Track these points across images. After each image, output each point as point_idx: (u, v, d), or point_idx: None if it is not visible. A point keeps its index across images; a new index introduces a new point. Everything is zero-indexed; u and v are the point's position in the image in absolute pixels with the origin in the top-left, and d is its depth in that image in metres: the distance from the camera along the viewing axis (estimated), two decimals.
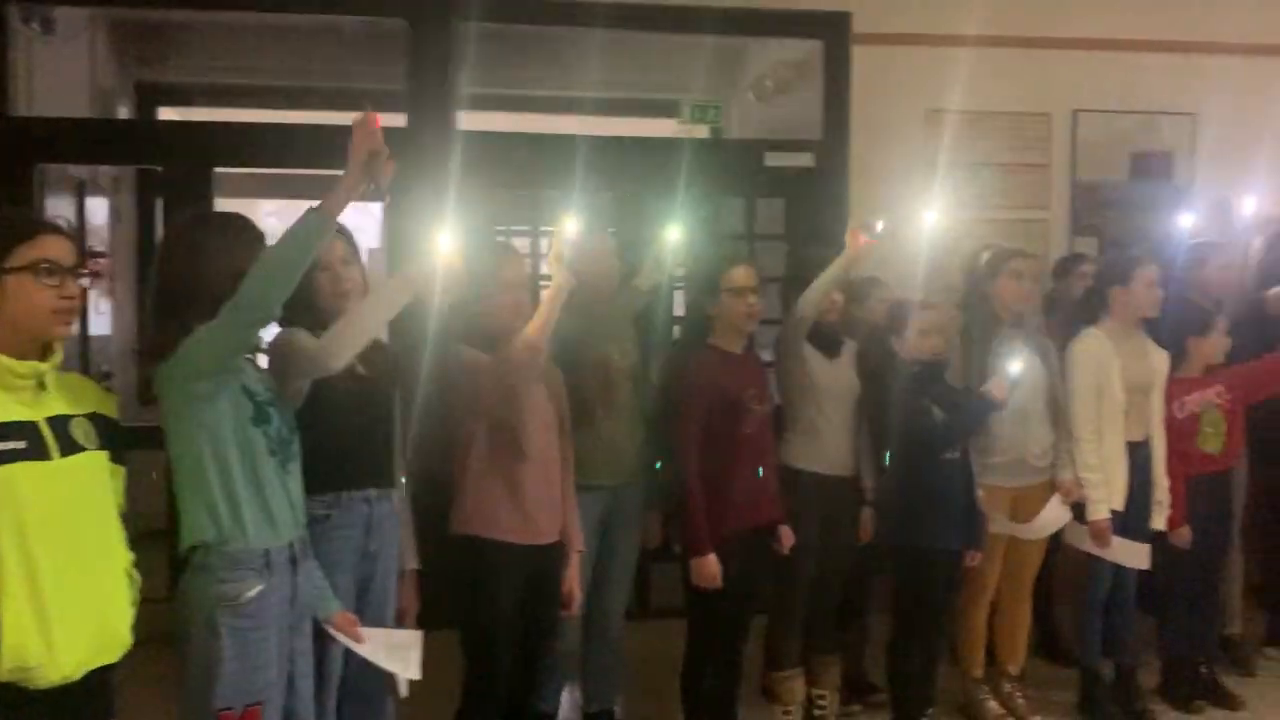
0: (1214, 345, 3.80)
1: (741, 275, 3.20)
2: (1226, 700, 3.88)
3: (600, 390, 3.26)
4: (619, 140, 5.10)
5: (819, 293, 3.28)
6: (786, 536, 3.29)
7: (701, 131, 6.07)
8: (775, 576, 3.40)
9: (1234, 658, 4.22)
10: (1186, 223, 4.37)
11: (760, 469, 3.20)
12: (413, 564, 2.75)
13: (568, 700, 3.62)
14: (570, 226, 2.59)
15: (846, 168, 4.90)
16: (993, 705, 3.70)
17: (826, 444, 3.40)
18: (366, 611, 2.54)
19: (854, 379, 3.47)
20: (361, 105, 2.26)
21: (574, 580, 2.95)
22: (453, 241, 2.42)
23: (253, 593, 2.16)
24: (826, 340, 3.45)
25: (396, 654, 2.49)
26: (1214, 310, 3.89)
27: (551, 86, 6.25)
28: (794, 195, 4.98)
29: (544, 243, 4.77)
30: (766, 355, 3.60)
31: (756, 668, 3.61)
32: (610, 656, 3.51)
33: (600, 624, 3.44)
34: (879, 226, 3.35)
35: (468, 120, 4.95)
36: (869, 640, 3.90)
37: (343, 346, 2.31)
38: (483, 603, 2.76)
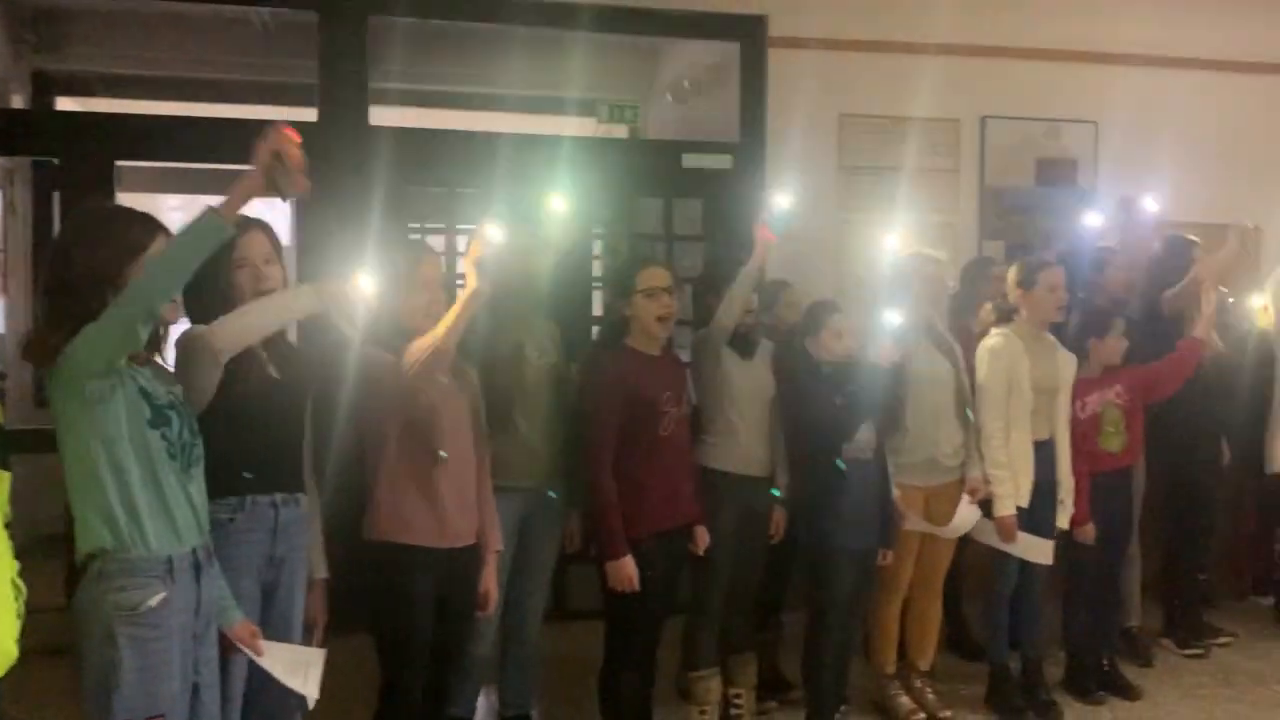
0: (1113, 346, 3.92)
1: (655, 276, 3.19)
2: (1126, 691, 4.01)
3: (518, 391, 3.23)
4: (536, 138, 5.07)
5: (738, 301, 3.30)
6: (702, 537, 3.30)
7: (620, 131, 6.08)
8: (692, 577, 3.41)
9: (1133, 649, 4.36)
10: (1093, 223, 4.54)
11: (677, 470, 3.20)
12: (322, 573, 2.69)
13: (484, 704, 3.58)
14: (491, 231, 2.54)
15: (763, 170, 4.94)
16: (904, 701, 3.76)
17: (742, 444, 3.41)
18: (272, 619, 2.47)
19: (769, 380, 3.50)
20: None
21: (491, 581, 2.92)
22: (371, 276, 2.38)
23: (154, 601, 2.09)
24: (742, 342, 3.47)
25: (296, 670, 2.42)
26: (1113, 312, 4.01)
27: (468, 83, 6.19)
28: (711, 196, 5.00)
29: (460, 241, 4.71)
30: (687, 355, 3.60)
31: (673, 668, 3.61)
32: (527, 659, 3.48)
33: (517, 627, 3.41)
34: (781, 210, 3.33)
35: (381, 116, 4.87)
36: (784, 638, 3.94)
37: (229, 332, 2.27)
38: (397, 608, 2.71)
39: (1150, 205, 4.52)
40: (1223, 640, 4.53)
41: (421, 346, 2.56)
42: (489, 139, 4.93)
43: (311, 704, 2.45)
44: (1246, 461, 4.72)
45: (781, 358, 3.56)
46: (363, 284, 2.38)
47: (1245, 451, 4.69)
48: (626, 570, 3.05)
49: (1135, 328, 4.18)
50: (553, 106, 6.23)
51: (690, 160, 4.99)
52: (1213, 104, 5.43)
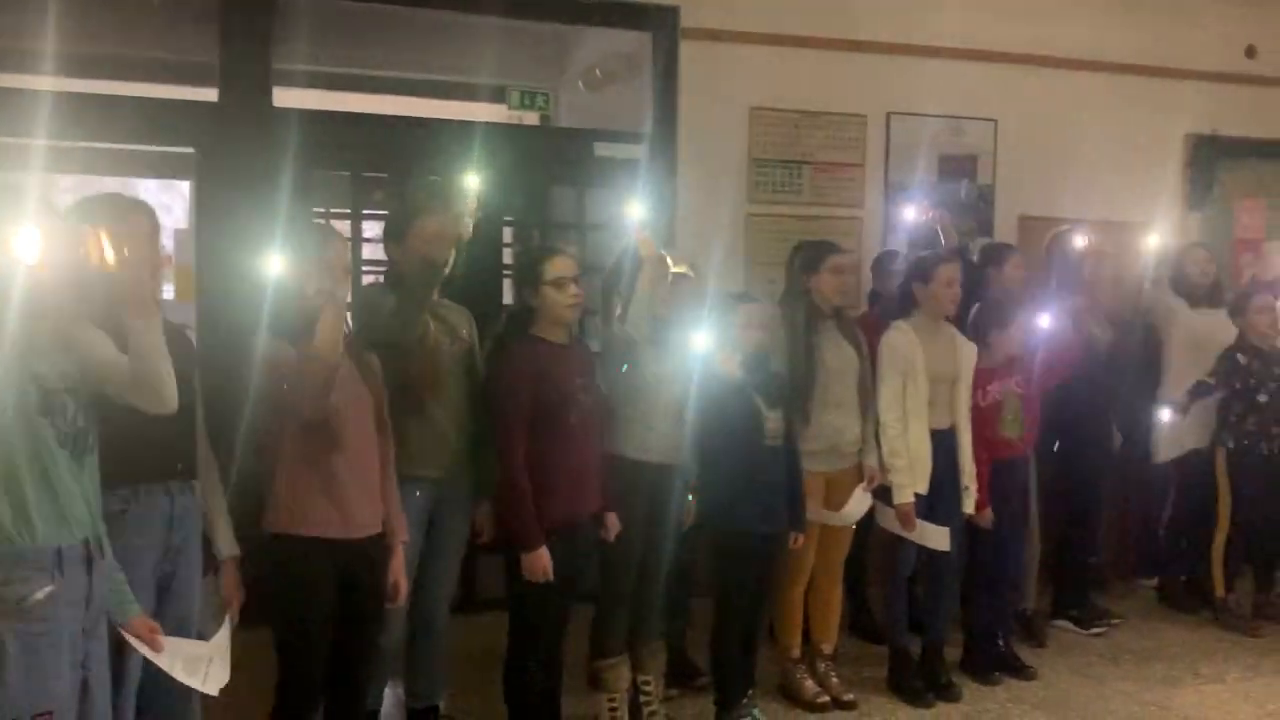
0: (1012, 338, 4.04)
1: (562, 265, 3.17)
2: (1021, 671, 4.14)
3: (429, 378, 3.18)
4: (446, 123, 5.00)
5: (640, 313, 3.31)
6: (613, 524, 3.30)
7: (531, 118, 6.04)
8: (602, 565, 3.41)
9: (1029, 631, 4.51)
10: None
11: (587, 459, 3.19)
12: (232, 551, 2.62)
13: (390, 696, 3.53)
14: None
15: (675, 160, 4.96)
16: (809, 684, 3.83)
17: (651, 432, 3.42)
18: (168, 610, 2.40)
19: (680, 368, 3.51)
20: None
21: (399, 571, 2.88)
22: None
23: (41, 594, 2.01)
24: (654, 331, 3.47)
25: (195, 666, 2.35)
26: (1013, 304, 4.13)
27: (376, 67, 6.07)
28: (623, 186, 4.99)
29: (366, 226, 4.62)
30: (597, 345, 3.60)
31: (582, 656, 3.61)
32: (435, 651, 3.44)
33: (425, 618, 3.37)
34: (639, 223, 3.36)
35: (286, 97, 4.75)
36: (692, 625, 3.98)
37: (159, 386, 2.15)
38: (297, 601, 2.66)
39: (1079, 241, 4.64)
40: (1112, 621, 4.71)
41: (313, 375, 2.52)
42: (396, 123, 4.85)
43: (215, 690, 2.39)
44: (1134, 449, 4.92)
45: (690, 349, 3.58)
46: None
47: (1134, 440, 4.89)
48: (542, 561, 3.03)
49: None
50: (463, 92, 6.14)
51: (602, 149, 4.99)
52: (1104, 104, 5.63)
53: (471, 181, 3.11)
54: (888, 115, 5.34)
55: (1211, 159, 5.79)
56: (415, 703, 3.47)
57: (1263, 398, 4.63)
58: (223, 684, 2.40)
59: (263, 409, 2.66)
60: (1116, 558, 5.40)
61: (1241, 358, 4.65)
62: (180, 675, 2.31)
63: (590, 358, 3.33)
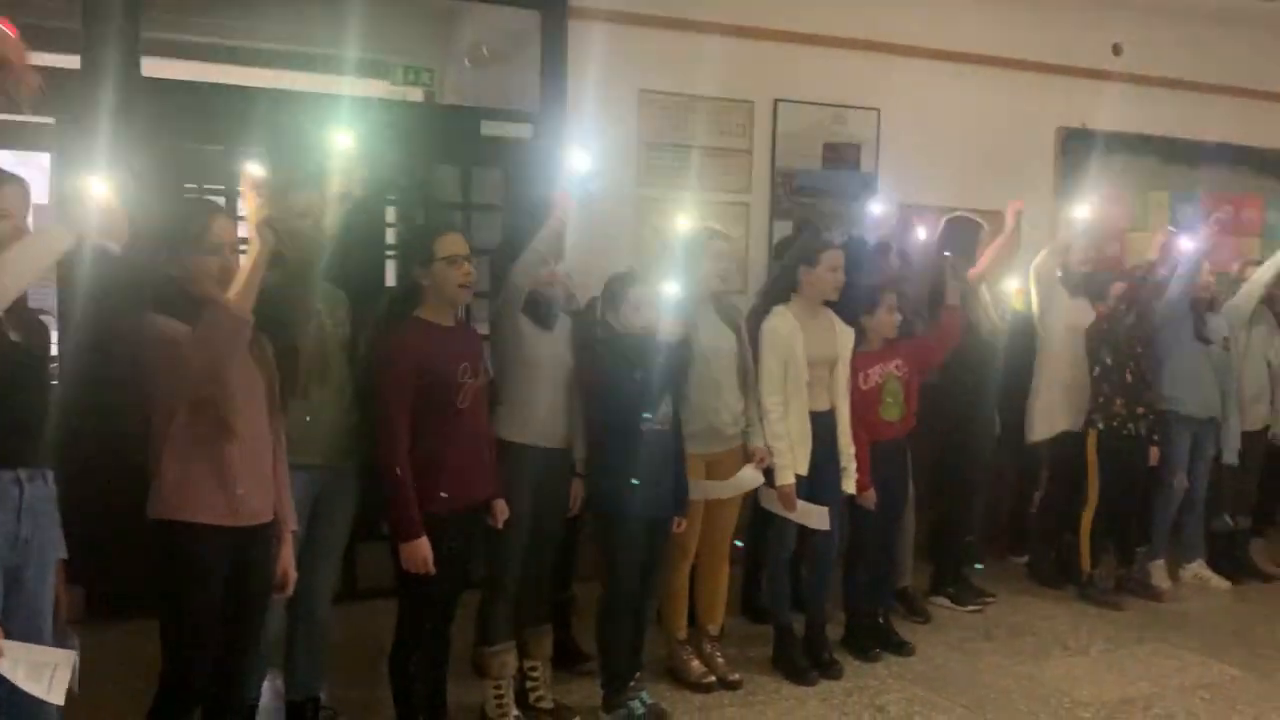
0: (884, 320, 4.13)
1: (454, 243, 3.11)
2: (901, 647, 4.25)
3: (314, 361, 3.07)
4: (326, 97, 4.84)
5: (533, 259, 3.26)
6: (501, 511, 3.25)
7: (415, 95, 5.90)
8: (488, 550, 3.36)
9: (911, 608, 4.64)
10: (876, 211, 4.81)
11: (475, 444, 3.14)
12: (60, 554, 2.48)
13: (269, 688, 3.42)
14: (264, 181, 2.40)
15: (564, 141, 4.90)
16: (695, 665, 3.86)
17: (540, 416, 3.38)
18: (17, 606, 2.25)
19: (567, 352, 3.48)
20: (27, 43, 1.99)
21: (289, 562, 2.77)
22: (111, 187, 2.22)
23: None
24: (541, 312, 3.44)
25: (39, 673, 2.20)
26: (884, 288, 4.21)
27: (254, 39, 5.84)
28: (511, 166, 4.93)
29: (240, 203, 4.43)
30: (485, 328, 3.54)
31: (467, 643, 3.55)
32: (316, 641, 3.33)
33: (307, 608, 3.25)
34: (580, 174, 3.33)
35: (156, 67, 4.52)
36: (578, 609, 3.96)
37: None
38: (186, 591, 2.53)
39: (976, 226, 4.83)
40: (986, 599, 4.88)
41: (224, 314, 2.40)
42: (274, 96, 4.68)
43: (60, 700, 2.26)
44: (1009, 431, 5.10)
45: (581, 330, 3.56)
46: (96, 190, 2.23)
47: (1009, 422, 5.07)
48: (421, 552, 2.96)
49: (921, 305, 4.47)
50: (344, 66, 5.94)
51: (489, 128, 4.91)
52: (980, 96, 5.81)
53: (348, 154, 3.00)
54: (775, 102, 5.40)
55: (1081, 152, 6.03)
56: (294, 695, 3.36)
57: (1129, 378, 4.85)
58: (67, 691, 2.27)
59: (152, 390, 2.53)
60: (990, 536, 5.60)
61: (1107, 325, 4.86)
62: (22, 682, 2.17)
63: (478, 341, 3.27)
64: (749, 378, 3.86)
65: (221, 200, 4.40)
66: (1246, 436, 5.27)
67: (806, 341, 3.89)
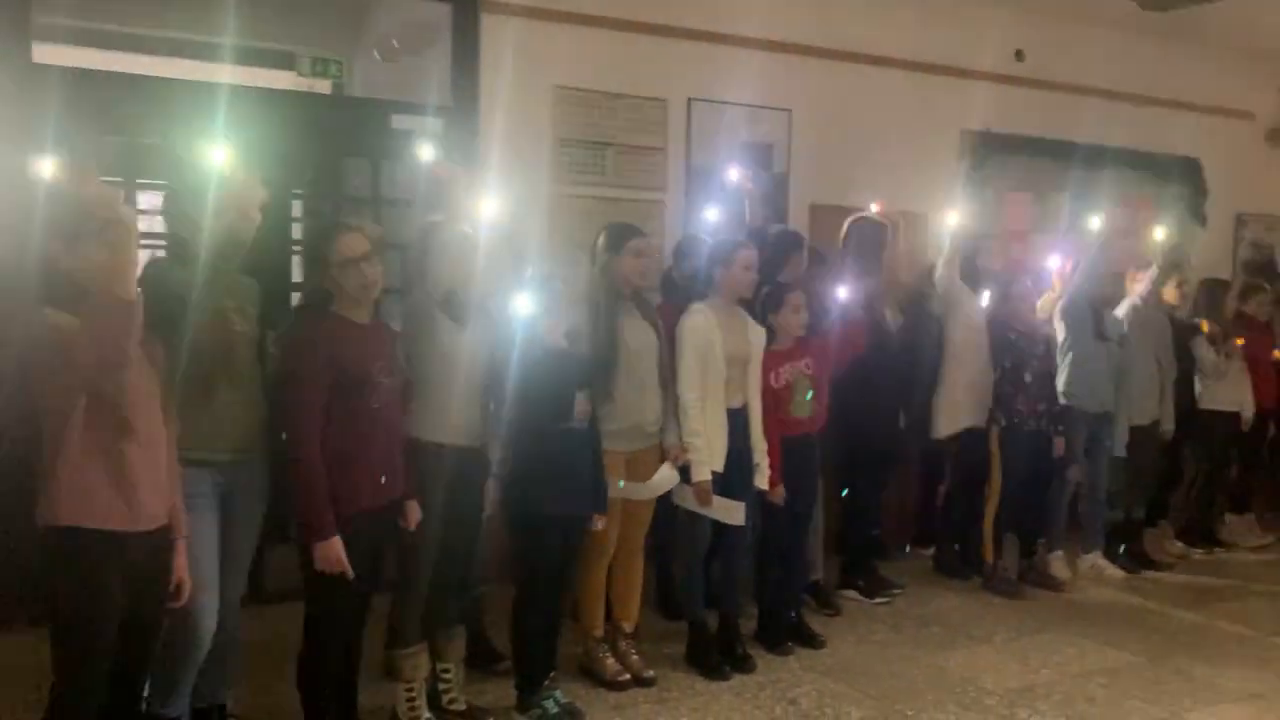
0: (788, 319, 4.18)
1: (354, 242, 3.03)
2: (812, 640, 4.31)
3: (223, 357, 2.97)
4: (230, 88, 4.69)
5: (448, 247, 3.22)
6: (413, 513, 3.20)
7: (324, 87, 5.77)
8: (399, 552, 3.31)
9: (823, 601, 4.71)
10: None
11: (388, 444, 3.08)
12: None
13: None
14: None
15: (476, 135, 4.86)
16: (611, 663, 3.85)
17: (454, 415, 3.33)
18: None
19: (484, 349, 3.44)
20: None
21: (183, 570, 2.68)
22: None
23: None
24: (457, 309, 3.39)
25: None
26: (790, 288, 4.26)
27: (154, 26, 5.64)
28: (423, 159, 4.84)
29: (141, 197, 4.29)
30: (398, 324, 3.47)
31: (378, 645, 3.50)
32: (222, 646, 3.23)
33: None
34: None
35: (48, 54, 4.34)
36: (490, 609, 3.93)
37: None
38: (81, 599, 2.43)
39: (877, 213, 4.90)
40: (894, 591, 4.98)
41: (115, 325, 2.31)
42: (175, 85, 4.53)
43: None
44: (917, 426, 5.21)
45: (497, 328, 3.52)
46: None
47: (916, 417, 5.18)
48: (334, 551, 2.90)
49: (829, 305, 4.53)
50: (248, 57, 5.78)
51: (399, 121, 4.83)
52: (889, 98, 5.92)
53: (252, 147, 2.92)
54: (689, 101, 5.42)
55: (984, 154, 6.19)
56: (199, 702, 3.25)
57: (1028, 377, 5.00)
58: None
59: (42, 389, 2.42)
60: (897, 529, 5.72)
61: (1012, 335, 5.00)
62: None
63: (392, 338, 3.21)
64: (667, 375, 3.87)
65: (120, 194, 4.25)
66: (1137, 431, 5.47)
67: (724, 339, 3.91)
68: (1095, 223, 5.16)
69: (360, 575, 2.99)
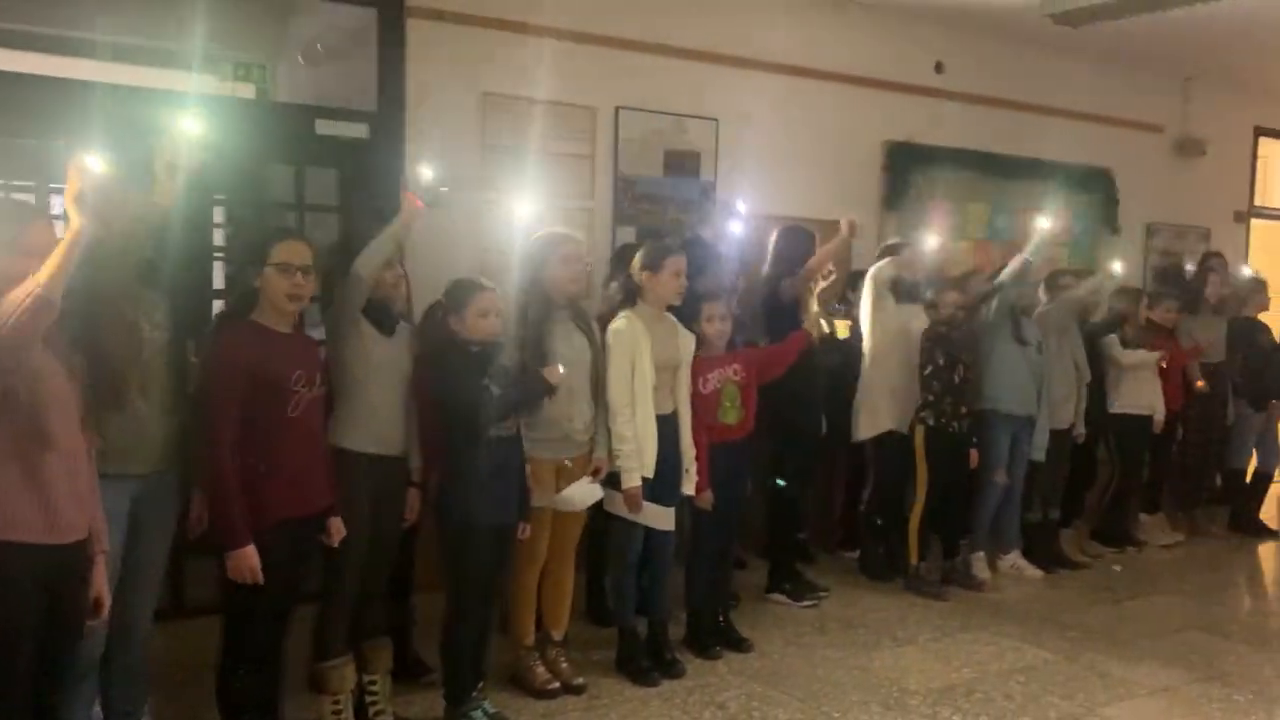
0: (712, 327, 4.21)
1: (293, 251, 3.00)
2: (740, 644, 4.35)
3: (133, 367, 2.90)
4: (149, 92, 4.60)
5: (378, 254, 3.19)
6: (336, 529, 3.16)
7: (247, 92, 5.68)
8: (324, 562, 3.26)
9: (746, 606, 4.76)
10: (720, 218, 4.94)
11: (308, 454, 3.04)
12: None
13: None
14: (91, 162, 2.29)
15: (402, 141, 4.82)
16: (540, 671, 3.84)
17: (378, 424, 3.31)
18: None
19: (408, 358, 3.42)
20: None
21: (101, 585, 2.61)
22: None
23: None
24: (383, 317, 3.37)
25: None
26: (714, 296, 4.30)
27: (70, 27, 5.50)
28: (347, 166, 4.81)
29: (54, 200, 4.18)
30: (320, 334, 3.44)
31: (303, 658, 3.45)
32: (137, 661, 3.15)
33: (126, 627, 3.07)
34: (427, 180, 3.31)
35: None
36: (418, 620, 3.90)
37: None
38: None
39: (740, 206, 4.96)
40: (820, 594, 5.04)
41: (16, 298, 2.22)
42: (91, 88, 4.41)
43: None
44: (839, 432, 5.29)
45: (423, 335, 3.50)
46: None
47: (838, 423, 5.26)
48: (248, 561, 2.85)
49: (758, 312, 4.58)
50: (170, 60, 5.68)
51: (324, 127, 4.77)
52: (814, 109, 6.01)
53: (170, 153, 2.86)
54: (616, 109, 5.44)
55: (906, 164, 6.32)
56: (114, 719, 3.18)
57: (957, 379, 5.10)
58: None
59: None
60: (823, 533, 5.81)
61: (944, 328, 5.10)
62: None
63: (314, 347, 3.17)
64: (601, 384, 3.88)
65: (32, 198, 4.15)
66: (1054, 434, 5.62)
67: (652, 346, 3.94)
68: (1044, 222, 5.26)
69: (277, 587, 2.95)
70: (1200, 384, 6.27)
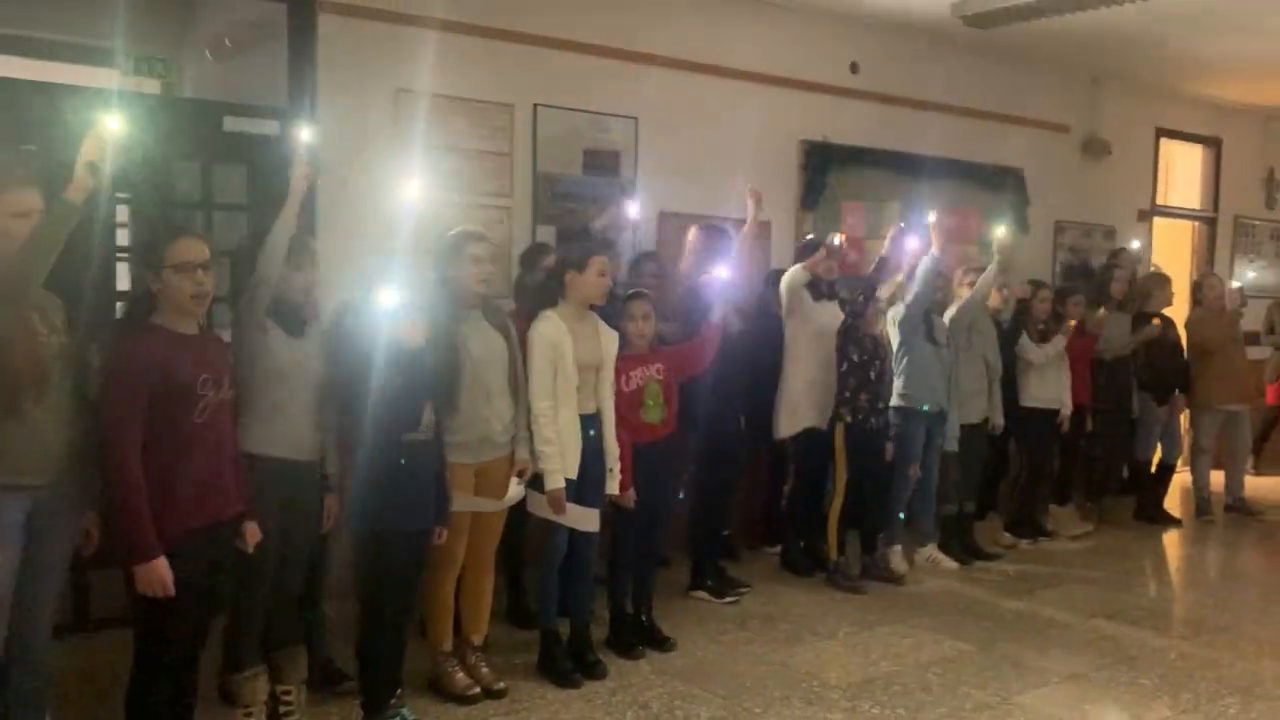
0: (636, 326, 4.21)
1: (190, 249, 2.90)
2: (663, 643, 4.35)
3: (28, 374, 2.78)
4: (46, 85, 4.43)
5: (277, 247, 3.12)
6: (251, 534, 3.07)
7: (153, 87, 5.51)
8: (235, 571, 3.17)
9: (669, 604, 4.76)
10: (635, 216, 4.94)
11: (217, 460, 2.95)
12: None
13: None
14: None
15: (315, 139, 4.70)
16: (460, 677, 3.79)
17: (289, 428, 3.23)
18: None
19: (319, 359, 3.34)
20: None
21: None
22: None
23: None
24: (291, 318, 3.28)
25: None
26: (639, 295, 4.30)
27: None
28: (257, 163, 4.68)
29: None
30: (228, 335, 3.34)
31: (215, 670, 3.35)
32: (36, 680, 3.02)
33: (22, 644, 2.95)
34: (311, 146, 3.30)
35: None
36: (333, 628, 3.82)
37: None
38: None
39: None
40: (742, 590, 5.07)
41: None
42: None
43: None
44: (761, 429, 5.33)
45: (334, 337, 3.42)
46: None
47: (760, 421, 5.30)
48: (158, 574, 2.75)
49: (680, 309, 4.58)
50: (68, 53, 5.49)
51: (232, 123, 4.64)
52: (731, 108, 6.04)
53: (93, 150, 2.75)
54: (535, 106, 5.39)
55: (822, 164, 6.38)
56: None
57: (873, 375, 5.16)
58: None
59: None
60: (745, 529, 5.84)
61: (857, 326, 5.15)
62: None
63: (221, 349, 3.07)
64: (519, 383, 3.84)
65: None
66: (967, 428, 5.74)
67: (575, 345, 3.91)
68: (930, 218, 5.34)
69: (194, 598, 2.85)
70: (1156, 320, 6.50)
